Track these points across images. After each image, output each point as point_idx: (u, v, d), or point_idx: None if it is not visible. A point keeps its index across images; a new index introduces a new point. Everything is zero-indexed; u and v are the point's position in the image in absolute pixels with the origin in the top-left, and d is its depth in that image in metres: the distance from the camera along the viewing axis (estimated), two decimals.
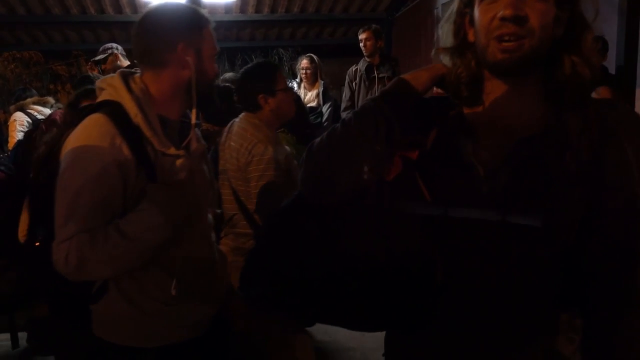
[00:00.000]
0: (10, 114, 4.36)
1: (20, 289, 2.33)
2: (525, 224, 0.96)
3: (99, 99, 1.38)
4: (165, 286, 1.38)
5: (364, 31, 4.86)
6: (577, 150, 0.96)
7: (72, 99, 2.56)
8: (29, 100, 4.35)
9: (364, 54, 4.90)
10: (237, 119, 2.30)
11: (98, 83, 1.43)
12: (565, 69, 0.97)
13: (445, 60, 1.08)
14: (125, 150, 1.28)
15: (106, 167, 1.26)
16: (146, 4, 6.02)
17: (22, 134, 3.93)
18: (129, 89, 1.35)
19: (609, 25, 3.97)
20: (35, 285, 1.59)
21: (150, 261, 1.34)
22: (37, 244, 1.51)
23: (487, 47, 0.97)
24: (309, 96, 4.88)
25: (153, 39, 1.37)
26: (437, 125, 1.06)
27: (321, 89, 4.86)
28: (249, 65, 2.41)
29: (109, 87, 1.37)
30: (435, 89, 1.13)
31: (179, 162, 1.36)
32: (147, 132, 1.31)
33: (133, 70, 1.45)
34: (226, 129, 2.34)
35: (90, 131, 1.29)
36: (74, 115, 1.45)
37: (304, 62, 4.92)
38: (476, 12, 1.00)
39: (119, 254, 1.26)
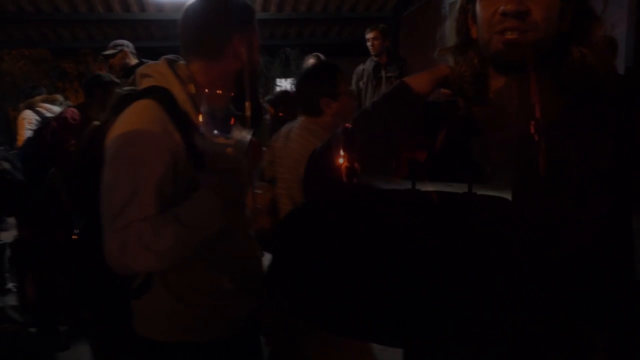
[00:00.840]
0: (20, 112, 4.39)
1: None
2: (530, 223, 0.94)
3: (143, 86, 1.34)
4: (213, 281, 1.35)
5: (371, 30, 4.86)
6: (591, 145, 0.94)
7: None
8: (37, 98, 4.37)
9: (371, 53, 4.89)
10: (294, 124, 2.21)
11: (141, 70, 1.40)
12: (573, 60, 0.95)
13: (450, 59, 1.08)
14: (177, 137, 1.26)
15: (161, 153, 1.23)
16: (154, 3, 6.04)
17: (30, 131, 3.96)
18: (177, 76, 1.34)
19: (617, 26, 3.95)
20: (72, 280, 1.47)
21: (198, 254, 1.31)
22: (75, 236, 1.47)
23: (489, 42, 0.96)
24: None
25: (209, 29, 1.36)
26: (446, 127, 1.06)
27: None
28: (309, 66, 2.28)
29: (156, 74, 1.35)
30: (442, 90, 1.13)
31: (228, 150, 1.31)
32: (196, 120, 1.28)
33: (174, 58, 1.43)
34: (282, 133, 2.25)
35: (141, 117, 1.26)
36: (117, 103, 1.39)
37: (311, 62, 4.92)
38: (478, 8, 0.99)
39: (178, 243, 1.22)
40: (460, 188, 1.07)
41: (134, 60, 4.12)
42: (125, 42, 4.20)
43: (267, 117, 3.65)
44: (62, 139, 3.15)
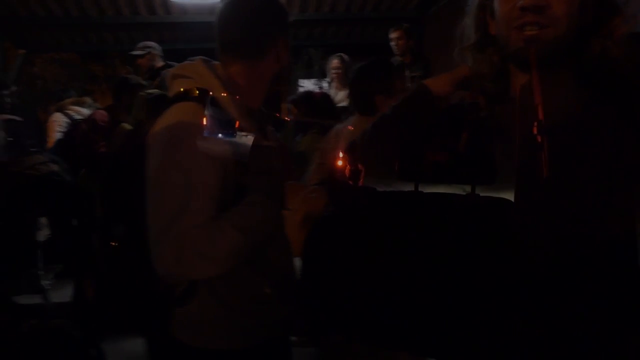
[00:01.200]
0: (50, 115, 4.49)
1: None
2: (555, 221, 0.92)
3: (177, 87, 1.30)
4: (256, 285, 1.33)
5: (395, 30, 4.83)
6: (613, 140, 0.90)
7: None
8: (67, 100, 4.48)
9: (395, 53, 4.86)
10: (345, 123, 2.16)
11: (175, 71, 1.36)
12: (595, 54, 0.92)
13: (469, 58, 1.06)
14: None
15: (210, 157, 1.18)
16: (179, 5, 6.11)
17: (60, 133, 4.05)
18: (217, 77, 1.30)
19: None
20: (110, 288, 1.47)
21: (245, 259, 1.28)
22: (113, 243, 1.44)
23: (509, 38, 0.94)
24: (340, 96, 4.87)
25: (254, 30, 1.33)
26: (469, 128, 1.05)
27: None
28: (363, 63, 2.22)
29: (194, 75, 1.30)
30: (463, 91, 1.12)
31: (271, 152, 1.30)
32: (240, 122, 1.25)
33: (207, 59, 1.40)
34: (333, 133, 2.20)
35: (186, 120, 1.21)
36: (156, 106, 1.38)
37: (334, 62, 4.91)
38: (496, 3, 0.97)
39: (234, 249, 1.19)
40: (482, 190, 1.06)
41: (160, 63, 4.19)
42: (153, 44, 4.28)
43: (291, 118, 3.66)
44: (91, 140, 3.21)
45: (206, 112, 1.20)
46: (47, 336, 2.00)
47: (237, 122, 1.24)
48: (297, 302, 1.14)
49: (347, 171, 1.14)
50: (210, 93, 1.25)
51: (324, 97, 3.95)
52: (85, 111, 4.18)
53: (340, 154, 1.13)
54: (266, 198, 1.24)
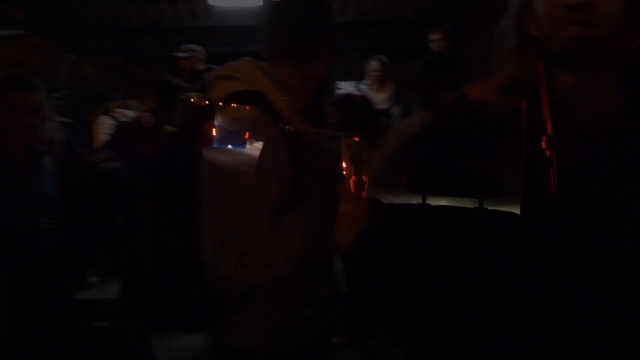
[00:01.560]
0: (97, 117, 4.63)
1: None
2: (605, 227, 0.88)
3: (224, 89, 1.27)
4: (309, 289, 1.33)
5: (436, 31, 4.77)
6: None
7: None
8: (113, 103, 4.61)
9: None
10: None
11: (222, 71, 1.34)
12: (637, 50, 0.88)
13: (509, 61, 1.03)
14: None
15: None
16: (221, 9, 6.21)
17: (106, 135, 4.17)
18: (270, 79, 1.28)
19: None
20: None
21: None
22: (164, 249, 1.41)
23: (553, 39, 0.91)
24: (379, 98, 4.85)
25: (308, 32, 1.32)
26: (514, 134, 1.02)
27: (391, 92, 4.82)
28: (426, 60, 2.14)
29: (246, 76, 1.28)
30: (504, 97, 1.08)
31: (328, 155, 1.26)
32: (295, 125, 1.24)
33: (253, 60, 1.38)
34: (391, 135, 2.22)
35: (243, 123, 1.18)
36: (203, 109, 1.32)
37: (374, 64, 4.90)
38: (538, 2, 0.94)
39: (294, 254, 1.19)
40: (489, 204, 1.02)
41: (202, 66, 4.26)
42: (197, 47, 4.37)
43: (331, 119, 3.66)
44: (137, 142, 3.29)
45: (261, 115, 1.18)
46: (111, 337, 2.05)
47: (293, 125, 1.22)
48: (345, 305, 1.14)
49: (351, 182, 1.13)
50: (266, 96, 1.23)
51: (364, 99, 3.94)
52: (130, 113, 4.29)
53: (345, 164, 1.12)
54: (321, 202, 1.23)
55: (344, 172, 1.16)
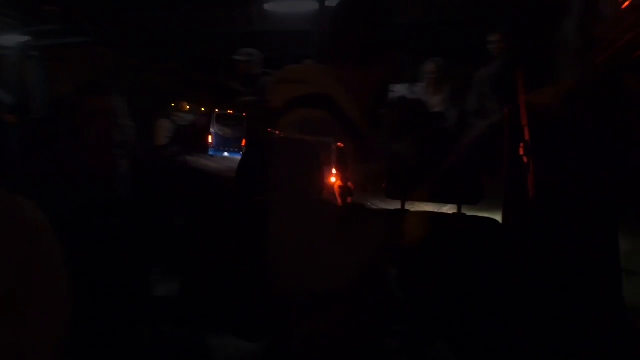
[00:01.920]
0: (157, 121, 4.80)
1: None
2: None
3: (285, 92, 1.26)
4: (370, 295, 1.33)
5: (495, 33, 4.65)
6: None
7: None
8: (172, 107, 4.76)
9: (494, 56, 4.68)
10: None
11: (284, 74, 1.33)
12: None
13: (571, 63, 0.99)
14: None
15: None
16: (277, 15, 6.29)
17: (166, 139, 4.31)
18: (336, 82, 1.27)
19: None
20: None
21: None
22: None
23: (621, 40, 0.89)
24: (434, 101, 4.78)
25: (369, 36, 1.32)
26: (578, 141, 0.98)
27: (446, 94, 4.73)
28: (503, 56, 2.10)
29: (307, 78, 1.27)
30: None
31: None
32: (363, 130, 1.24)
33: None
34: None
35: (314, 131, 1.16)
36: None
37: (430, 67, 4.83)
38: (602, 3, 0.91)
39: (359, 259, 1.20)
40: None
41: (258, 70, 4.33)
42: (255, 51, 4.44)
43: (385, 122, 3.63)
44: (195, 145, 3.38)
45: (334, 121, 1.17)
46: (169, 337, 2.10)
47: (362, 130, 1.21)
48: (401, 312, 1.13)
49: (336, 188, 1.11)
50: (334, 99, 1.22)
51: (418, 102, 3.89)
52: (190, 117, 4.41)
53: (333, 171, 1.09)
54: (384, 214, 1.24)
55: (332, 178, 1.14)
